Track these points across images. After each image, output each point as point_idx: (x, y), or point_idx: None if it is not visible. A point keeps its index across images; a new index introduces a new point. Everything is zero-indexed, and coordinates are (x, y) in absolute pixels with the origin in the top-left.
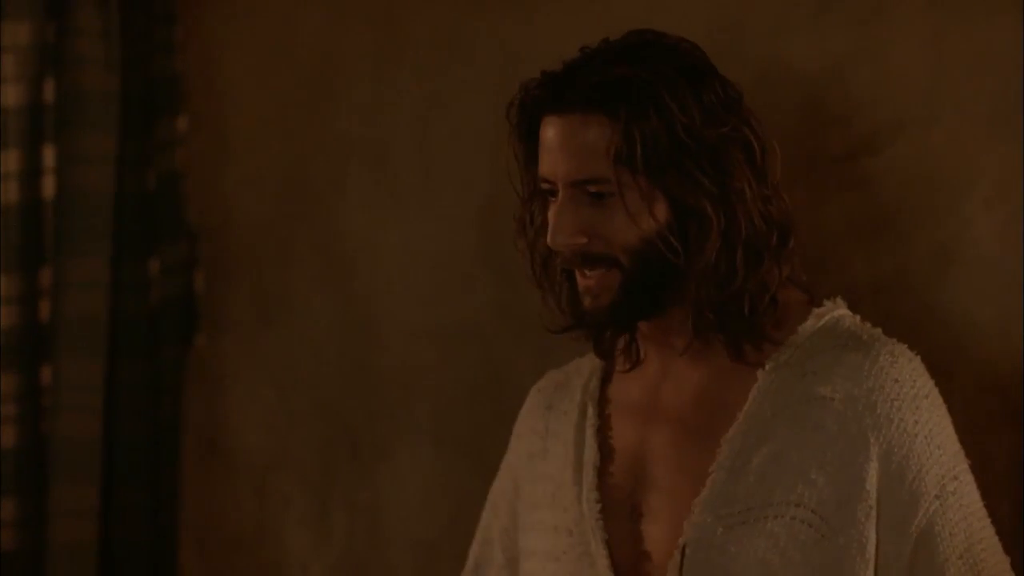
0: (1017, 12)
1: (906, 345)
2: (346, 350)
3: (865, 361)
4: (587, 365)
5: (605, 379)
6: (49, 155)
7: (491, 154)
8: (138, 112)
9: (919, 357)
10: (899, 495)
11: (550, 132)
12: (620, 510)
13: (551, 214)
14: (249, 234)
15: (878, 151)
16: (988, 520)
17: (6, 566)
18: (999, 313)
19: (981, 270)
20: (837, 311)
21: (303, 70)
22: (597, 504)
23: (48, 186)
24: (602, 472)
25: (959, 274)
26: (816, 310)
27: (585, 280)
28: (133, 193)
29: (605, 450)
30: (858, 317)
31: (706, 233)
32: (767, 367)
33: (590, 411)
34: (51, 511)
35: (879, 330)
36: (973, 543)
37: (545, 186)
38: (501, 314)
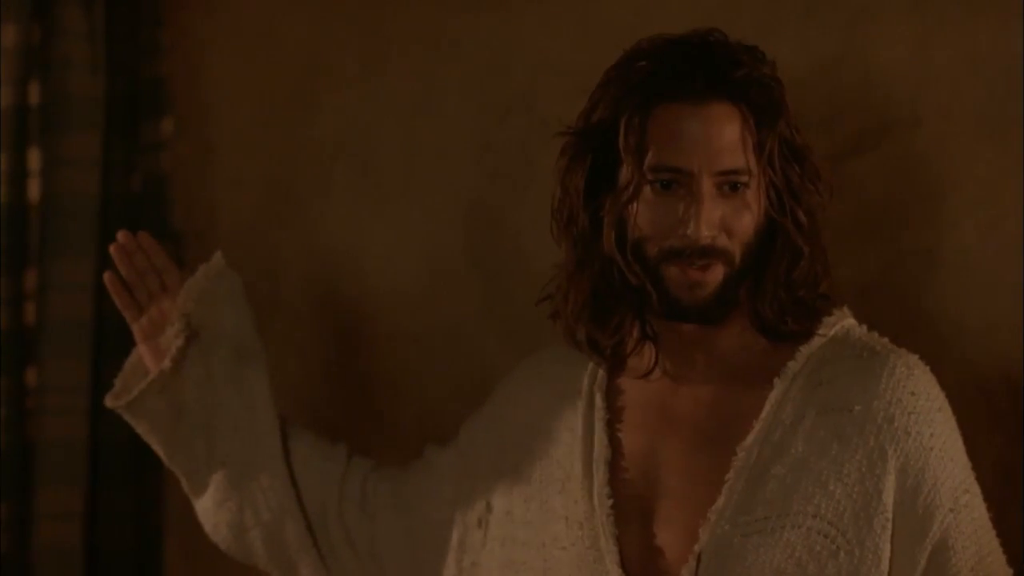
0: (1004, 15)
1: (917, 356)
2: (331, 353)
3: (883, 373)
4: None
5: (611, 372)
6: (34, 157)
7: (477, 156)
8: (123, 115)
9: (929, 368)
10: (915, 508)
11: (688, 122)
12: (630, 509)
13: (685, 205)
14: (234, 237)
15: (864, 153)
16: (994, 532)
17: None
18: (984, 315)
19: (966, 272)
20: (846, 321)
21: (288, 73)
22: (609, 500)
23: (33, 189)
24: (612, 467)
25: (944, 276)
26: (827, 319)
27: (695, 273)
28: (118, 196)
29: (615, 445)
30: (864, 327)
31: (797, 232)
32: (782, 376)
33: (599, 402)
34: (37, 514)
35: (887, 340)
36: (983, 556)
37: (664, 176)
38: (487, 317)
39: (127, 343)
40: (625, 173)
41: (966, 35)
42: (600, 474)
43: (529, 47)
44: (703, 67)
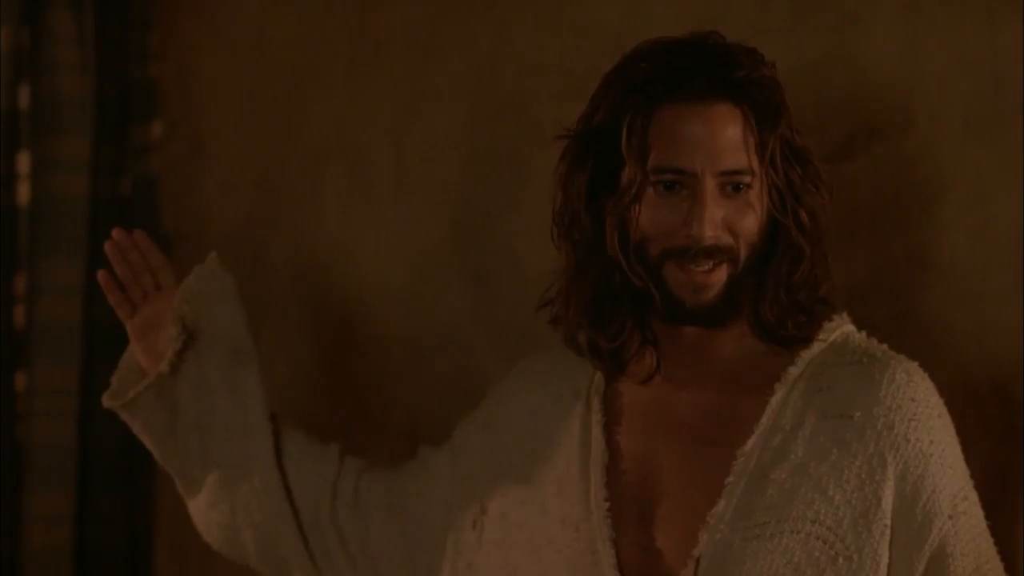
0: (994, 18)
1: (917, 363)
2: (321, 355)
3: (883, 379)
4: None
5: (609, 376)
6: (24, 161)
7: (466, 159)
8: (113, 118)
9: (928, 375)
10: (913, 515)
11: (690, 123)
12: (628, 512)
13: (688, 206)
14: (224, 239)
15: (854, 156)
16: (992, 540)
17: None
18: (973, 319)
19: (955, 276)
20: (845, 327)
21: (278, 76)
22: (606, 503)
23: (23, 192)
24: (610, 470)
25: (933, 280)
26: (827, 324)
27: (699, 276)
28: (108, 198)
29: (613, 448)
30: (863, 333)
31: (799, 232)
32: (783, 380)
33: (596, 406)
34: (26, 517)
35: (886, 346)
36: (981, 563)
37: (667, 177)
38: (476, 319)
39: (117, 346)
40: (628, 175)
41: (956, 38)
42: (597, 477)
43: (518, 50)
44: (704, 68)
